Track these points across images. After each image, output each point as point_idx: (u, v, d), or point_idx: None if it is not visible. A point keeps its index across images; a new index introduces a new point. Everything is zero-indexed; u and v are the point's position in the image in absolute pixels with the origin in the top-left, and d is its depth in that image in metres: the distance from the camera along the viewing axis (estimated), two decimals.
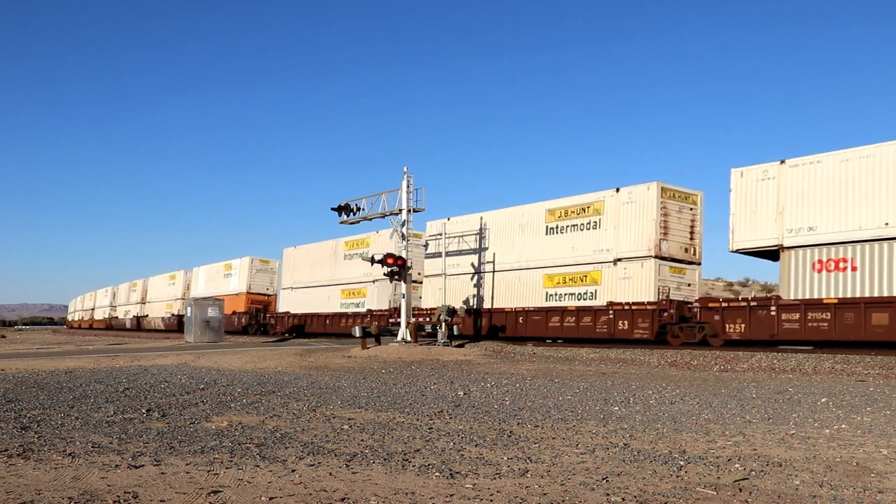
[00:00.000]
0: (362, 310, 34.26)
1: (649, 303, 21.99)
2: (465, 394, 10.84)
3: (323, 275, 38.21)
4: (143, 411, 8.67)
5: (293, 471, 5.35)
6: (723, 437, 6.89)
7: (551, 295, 25.30)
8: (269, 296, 45.76)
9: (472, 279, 28.45)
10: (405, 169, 24.90)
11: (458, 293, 28.46)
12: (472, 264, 28.44)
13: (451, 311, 25.11)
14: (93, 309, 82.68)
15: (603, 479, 5.11)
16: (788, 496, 4.63)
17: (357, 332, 24.13)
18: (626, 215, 23.16)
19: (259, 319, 42.90)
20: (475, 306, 28.31)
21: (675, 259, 22.87)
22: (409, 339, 24.18)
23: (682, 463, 5.65)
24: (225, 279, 47.64)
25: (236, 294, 45.44)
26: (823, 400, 9.87)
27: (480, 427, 7.55)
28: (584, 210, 24.80)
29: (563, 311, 24.54)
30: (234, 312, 44.13)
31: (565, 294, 24.91)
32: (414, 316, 27.98)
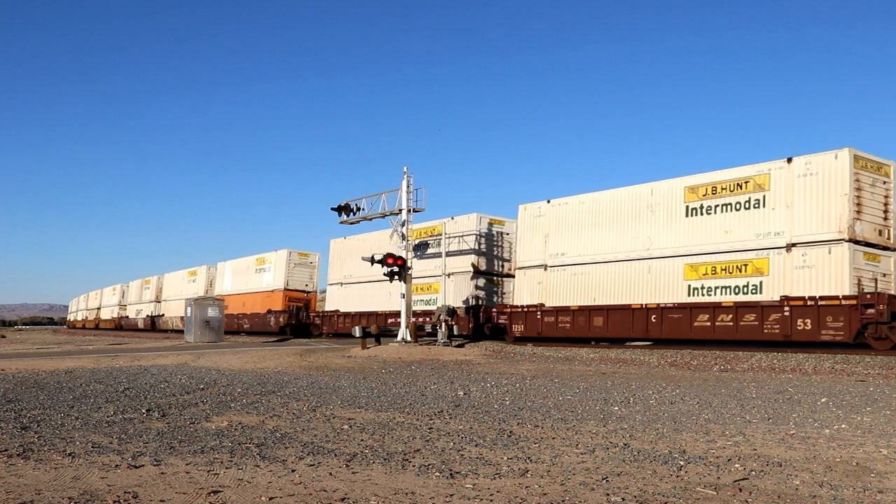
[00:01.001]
0: (434, 307, 29.07)
1: (845, 297, 17.42)
2: (465, 394, 10.84)
3: (381, 268, 33.97)
4: (143, 411, 8.67)
5: (293, 471, 5.35)
6: (723, 437, 6.89)
7: (695, 289, 20.87)
8: (308, 292, 40.89)
9: (470, 279, 28.44)
10: (405, 169, 24.91)
11: (529, 288, 25.83)
12: (473, 264, 28.42)
13: (451, 311, 25.12)
14: (98, 308, 78.98)
15: (603, 479, 5.11)
16: (788, 496, 4.63)
17: (357, 332, 24.17)
18: (804, 191, 18.72)
19: (300, 318, 38.50)
20: (482, 304, 28.05)
21: (870, 244, 18.42)
22: (409, 339, 24.19)
23: (682, 463, 5.65)
24: (257, 275, 42.92)
25: (271, 291, 40.77)
26: (823, 400, 9.87)
27: (480, 427, 7.55)
28: (740, 186, 20.20)
29: (714, 308, 19.98)
30: (269, 311, 40.18)
31: (716, 287, 20.29)
32: (510, 311, 25.83)
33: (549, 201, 25.40)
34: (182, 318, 48.25)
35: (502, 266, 29.19)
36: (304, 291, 40.62)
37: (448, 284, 28.09)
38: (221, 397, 10.26)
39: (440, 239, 28.53)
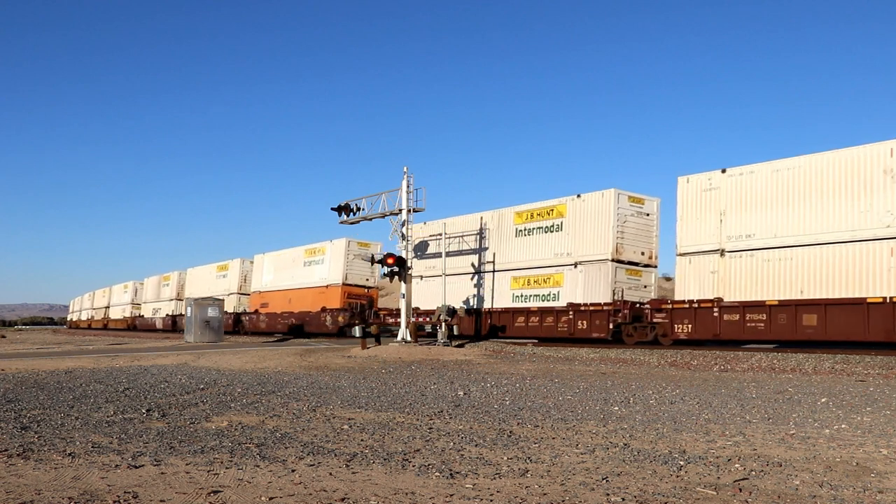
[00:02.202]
0: (556, 304, 24.99)
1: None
2: (465, 394, 10.84)
3: (475, 257, 28.53)
4: (143, 411, 8.67)
5: (293, 471, 5.35)
6: (723, 437, 6.89)
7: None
8: (369, 288, 36.01)
9: (471, 279, 28.45)
10: (405, 169, 24.91)
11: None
12: (473, 264, 28.42)
13: (452, 311, 25.11)
14: (107, 307, 73.99)
15: (603, 479, 5.11)
16: (788, 496, 4.63)
17: (357, 332, 24.18)
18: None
19: (365, 317, 32.47)
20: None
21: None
22: (409, 338, 24.19)
23: (682, 463, 5.65)
24: (307, 268, 38.07)
25: (326, 286, 35.73)
26: (823, 400, 9.87)
27: (480, 427, 7.55)
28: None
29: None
30: (323, 309, 35.15)
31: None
32: (671, 307, 21.34)
33: (724, 171, 20.59)
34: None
35: (643, 254, 24.96)
36: (365, 287, 35.82)
37: (577, 277, 24.61)
38: (221, 397, 10.26)
39: (559, 222, 25.45)
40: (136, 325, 62.64)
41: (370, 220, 26.94)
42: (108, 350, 23.98)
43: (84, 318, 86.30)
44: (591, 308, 23.58)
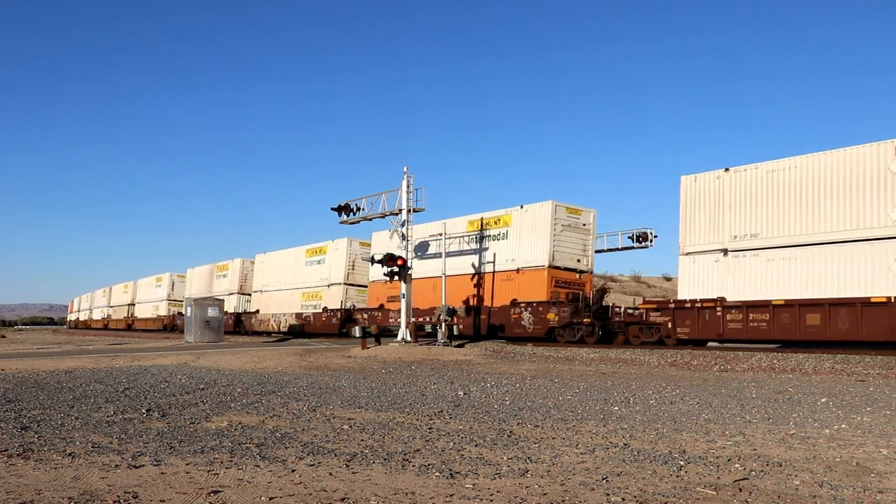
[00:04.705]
0: None
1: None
2: (465, 394, 10.84)
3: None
4: (143, 411, 8.67)
5: (293, 471, 5.35)
6: (723, 437, 6.89)
7: None
8: (581, 272, 26.55)
9: (471, 279, 28.45)
10: (405, 169, 24.91)
11: None
12: (473, 264, 28.45)
13: (451, 311, 25.11)
14: (131, 304, 66.34)
15: (603, 479, 5.11)
16: (788, 496, 4.63)
17: (357, 332, 24.19)
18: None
19: (608, 315, 24.25)
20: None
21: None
22: (409, 339, 24.19)
23: (682, 463, 5.65)
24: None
25: (536, 268, 25.90)
26: (823, 400, 9.87)
27: (480, 427, 7.55)
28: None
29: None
30: (529, 305, 25.65)
31: None
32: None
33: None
34: (282, 316, 39.80)
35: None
36: (576, 270, 26.53)
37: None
38: (221, 397, 10.26)
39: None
40: (175, 326, 52.88)
41: (370, 219, 26.95)
42: (108, 350, 23.98)
43: (98, 317, 76.52)
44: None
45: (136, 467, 5.44)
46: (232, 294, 46.02)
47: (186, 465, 5.55)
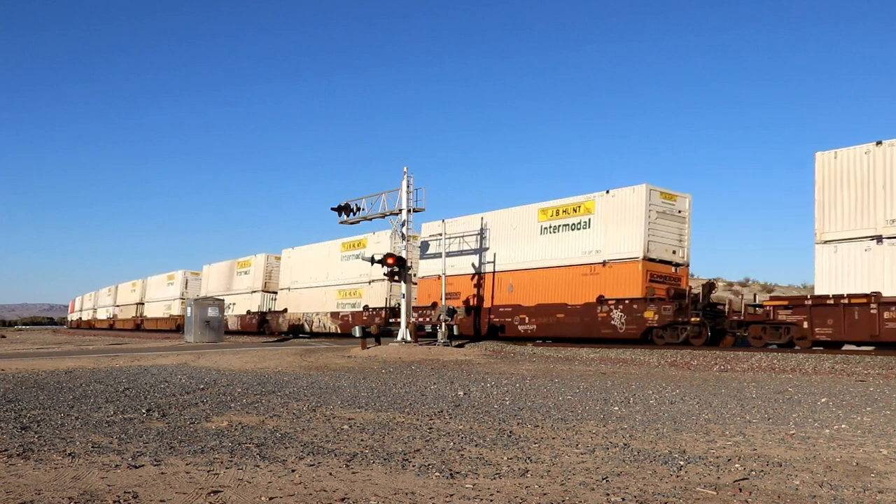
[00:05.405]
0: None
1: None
2: (465, 394, 10.84)
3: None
4: (143, 411, 8.67)
5: (293, 471, 5.35)
6: (723, 437, 6.89)
7: None
8: (677, 265, 23.61)
9: (472, 279, 28.43)
10: (405, 169, 24.92)
11: None
12: (473, 264, 28.43)
13: (451, 312, 25.11)
14: (140, 303, 63.00)
15: (603, 479, 5.11)
16: (788, 496, 4.63)
17: (357, 331, 24.19)
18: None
19: (723, 315, 21.32)
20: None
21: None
22: (409, 339, 24.20)
23: (682, 463, 5.65)
24: (562, 235, 24.48)
25: (629, 260, 22.87)
26: (823, 400, 9.87)
27: (480, 427, 7.55)
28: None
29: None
30: (621, 303, 22.67)
31: None
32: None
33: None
34: (347, 314, 34.67)
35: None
36: (671, 263, 23.50)
37: None
38: (221, 397, 10.26)
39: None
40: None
41: (370, 219, 26.97)
42: (108, 350, 23.98)
43: (102, 316, 72.41)
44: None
45: (136, 467, 5.44)
46: (255, 292, 42.46)
47: (186, 465, 5.55)
